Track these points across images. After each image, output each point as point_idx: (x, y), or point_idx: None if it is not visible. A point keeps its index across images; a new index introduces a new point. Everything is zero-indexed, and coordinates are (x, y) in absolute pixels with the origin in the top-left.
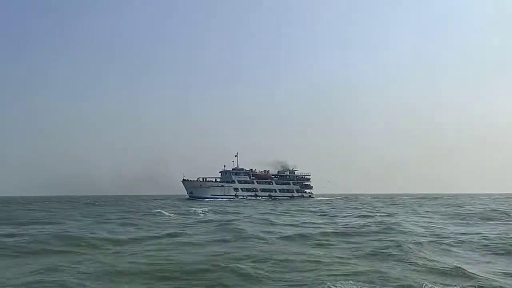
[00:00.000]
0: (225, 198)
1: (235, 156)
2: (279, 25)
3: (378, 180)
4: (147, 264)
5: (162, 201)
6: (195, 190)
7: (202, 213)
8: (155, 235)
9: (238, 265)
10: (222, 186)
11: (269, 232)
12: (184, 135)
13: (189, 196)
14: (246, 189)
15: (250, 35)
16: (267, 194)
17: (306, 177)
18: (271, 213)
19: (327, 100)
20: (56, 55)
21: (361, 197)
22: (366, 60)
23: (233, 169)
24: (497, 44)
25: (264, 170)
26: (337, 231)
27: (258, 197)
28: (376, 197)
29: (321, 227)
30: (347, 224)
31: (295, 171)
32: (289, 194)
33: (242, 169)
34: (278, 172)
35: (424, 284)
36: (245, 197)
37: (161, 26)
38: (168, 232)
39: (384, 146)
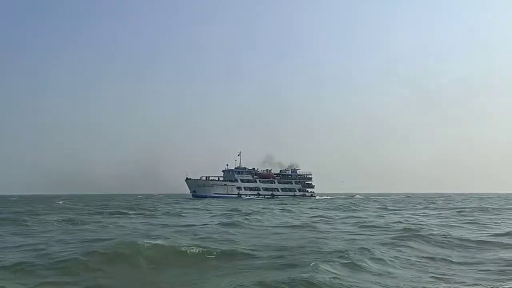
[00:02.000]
0: (228, 197)
1: (238, 155)
2: (281, 23)
3: (379, 180)
4: None
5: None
6: (198, 188)
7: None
8: None
9: None
10: (225, 185)
11: None
12: (185, 134)
13: (193, 195)
14: (249, 188)
15: (251, 33)
16: (270, 193)
17: (308, 176)
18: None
19: (330, 98)
20: (57, 54)
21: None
22: (366, 59)
23: (235, 168)
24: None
25: (266, 169)
26: None
27: (260, 196)
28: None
29: None
30: None
31: (297, 170)
32: (291, 193)
33: (245, 168)
34: (280, 171)
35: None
36: (248, 196)
37: (162, 26)
38: None
39: (384, 146)
